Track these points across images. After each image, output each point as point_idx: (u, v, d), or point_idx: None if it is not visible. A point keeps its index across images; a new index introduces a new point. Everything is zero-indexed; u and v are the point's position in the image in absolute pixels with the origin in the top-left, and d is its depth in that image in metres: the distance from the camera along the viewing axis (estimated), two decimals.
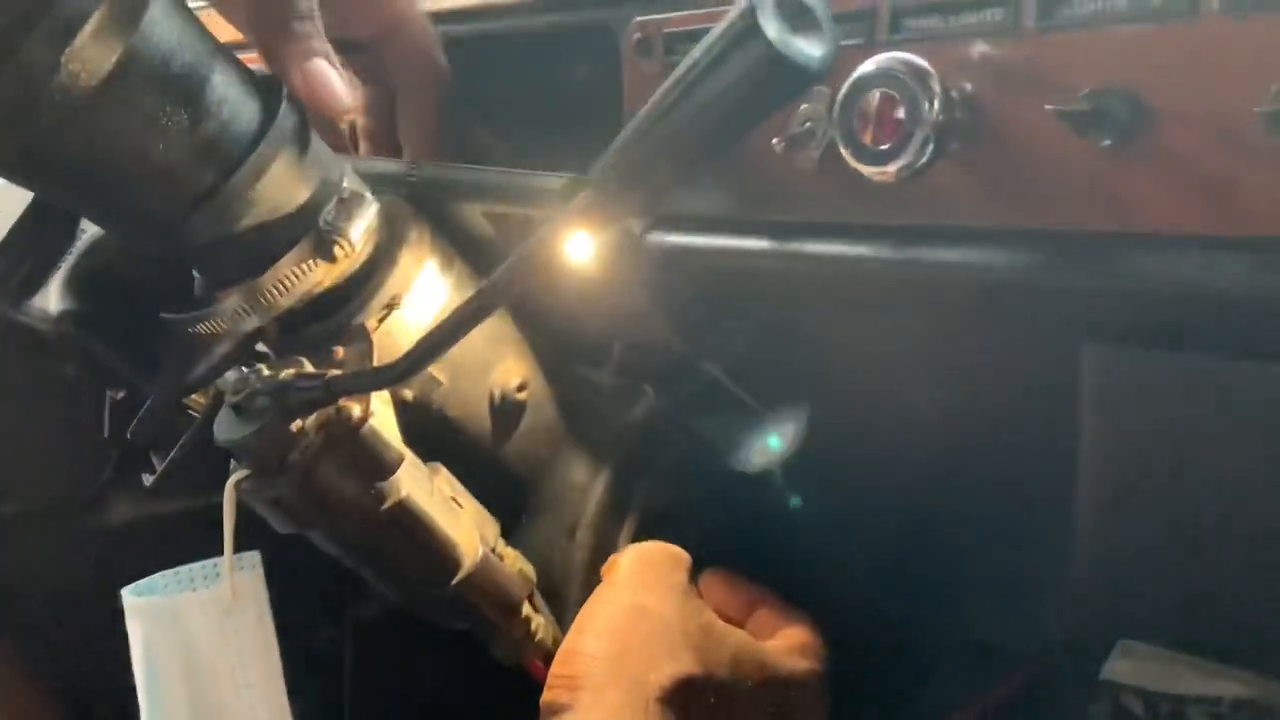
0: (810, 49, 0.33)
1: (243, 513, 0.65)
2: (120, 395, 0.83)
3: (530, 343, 0.69)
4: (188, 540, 0.94)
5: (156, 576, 0.57)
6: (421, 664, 1.05)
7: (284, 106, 0.55)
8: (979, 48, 0.47)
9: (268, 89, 0.57)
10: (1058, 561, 0.57)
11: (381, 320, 0.59)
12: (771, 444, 0.71)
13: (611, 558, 0.61)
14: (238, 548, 0.62)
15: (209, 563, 0.58)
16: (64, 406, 0.90)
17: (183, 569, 0.58)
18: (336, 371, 0.52)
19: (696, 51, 0.35)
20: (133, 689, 0.86)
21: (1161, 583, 0.48)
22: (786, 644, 0.60)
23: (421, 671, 1.06)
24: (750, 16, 0.32)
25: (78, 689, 1.01)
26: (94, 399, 0.90)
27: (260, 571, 0.57)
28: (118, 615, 0.99)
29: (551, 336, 0.70)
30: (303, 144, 0.57)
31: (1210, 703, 0.43)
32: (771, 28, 0.32)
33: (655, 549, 0.57)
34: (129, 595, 0.57)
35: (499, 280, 0.42)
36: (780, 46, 0.32)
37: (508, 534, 0.65)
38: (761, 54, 0.32)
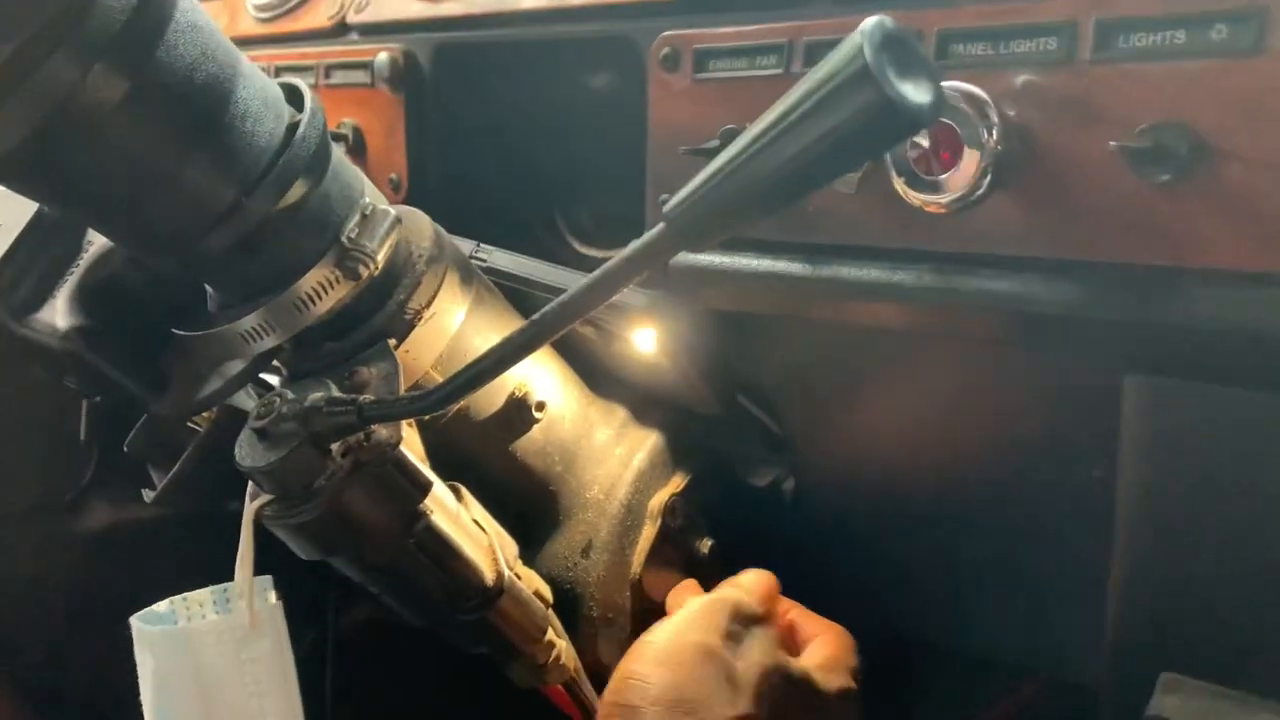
0: (919, 94, 0.32)
1: (212, 519, 0.64)
2: (98, 399, 0.81)
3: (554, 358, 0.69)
4: (166, 546, 0.93)
5: (164, 603, 0.55)
6: (403, 670, 1.04)
7: (306, 118, 0.54)
8: (1031, 77, 0.47)
9: (289, 99, 0.55)
10: (1074, 584, 0.57)
11: (403, 338, 0.58)
12: None
13: (678, 591, 0.63)
14: (220, 561, 0.60)
15: (219, 588, 0.56)
16: (42, 410, 0.88)
17: (191, 595, 0.56)
18: (368, 396, 0.50)
19: (797, 92, 0.34)
20: (110, 694, 0.83)
21: (1203, 616, 0.48)
22: (823, 660, 0.60)
23: (403, 677, 1.05)
24: (860, 59, 0.31)
25: (50, 692, 0.99)
26: (72, 403, 0.87)
27: (276, 598, 0.55)
28: (92, 619, 0.97)
29: (575, 358, 0.69)
30: (325, 158, 0.55)
31: None
32: (883, 72, 0.31)
33: (726, 600, 0.58)
34: (139, 624, 0.55)
35: (556, 312, 0.41)
36: (893, 92, 0.31)
37: (520, 553, 0.63)
38: (874, 100, 0.31)
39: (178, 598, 0.55)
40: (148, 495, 0.70)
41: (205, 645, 0.53)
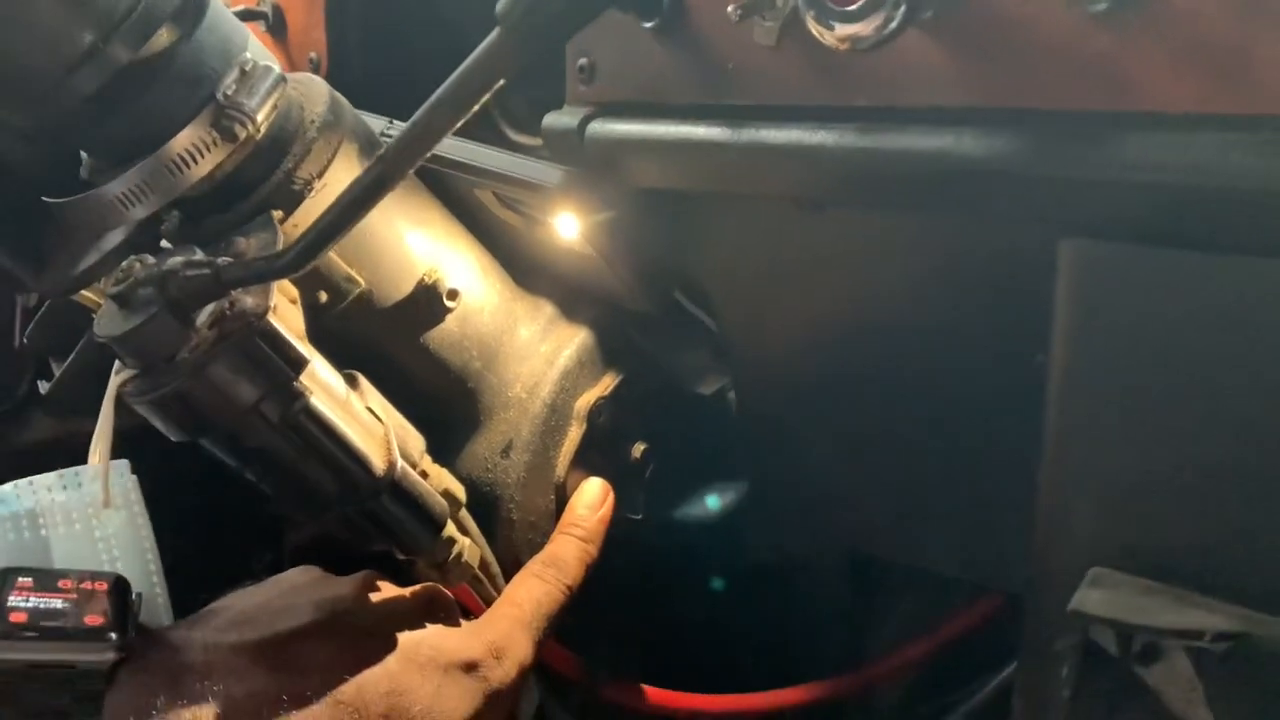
0: None
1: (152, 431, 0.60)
2: (33, 301, 0.77)
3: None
4: (114, 455, 0.89)
5: (8, 486, 0.52)
6: None
7: None
8: None
9: None
10: (1023, 492, 0.53)
11: (291, 209, 0.54)
12: (710, 503, 0.71)
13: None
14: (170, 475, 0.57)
15: (68, 471, 0.53)
16: None
17: (36, 478, 0.52)
18: (226, 259, 0.46)
19: None
20: None
21: (1139, 504, 0.43)
22: None
23: None
24: None
25: None
26: (7, 307, 0.84)
27: (131, 476, 0.51)
28: None
29: (499, 248, 0.65)
30: (198, 5, 0.50)
31: (1190, 636, 0.39)
32: None
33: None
34: None
35: (402, 142, 0.37)
36: None
37: (437, 451, 0.59)
38: None
39: (22, 481, 0.52)
40: (43, 387, 0.66)
41: (55, 524, 0.50)
